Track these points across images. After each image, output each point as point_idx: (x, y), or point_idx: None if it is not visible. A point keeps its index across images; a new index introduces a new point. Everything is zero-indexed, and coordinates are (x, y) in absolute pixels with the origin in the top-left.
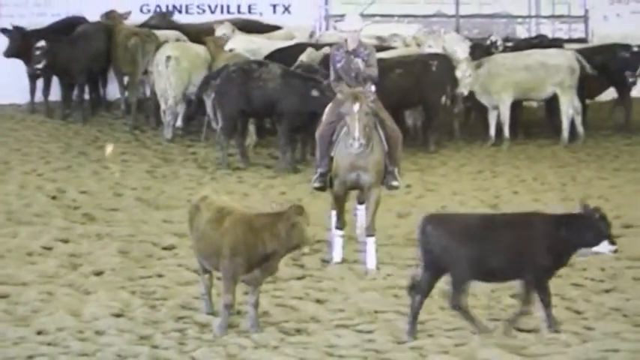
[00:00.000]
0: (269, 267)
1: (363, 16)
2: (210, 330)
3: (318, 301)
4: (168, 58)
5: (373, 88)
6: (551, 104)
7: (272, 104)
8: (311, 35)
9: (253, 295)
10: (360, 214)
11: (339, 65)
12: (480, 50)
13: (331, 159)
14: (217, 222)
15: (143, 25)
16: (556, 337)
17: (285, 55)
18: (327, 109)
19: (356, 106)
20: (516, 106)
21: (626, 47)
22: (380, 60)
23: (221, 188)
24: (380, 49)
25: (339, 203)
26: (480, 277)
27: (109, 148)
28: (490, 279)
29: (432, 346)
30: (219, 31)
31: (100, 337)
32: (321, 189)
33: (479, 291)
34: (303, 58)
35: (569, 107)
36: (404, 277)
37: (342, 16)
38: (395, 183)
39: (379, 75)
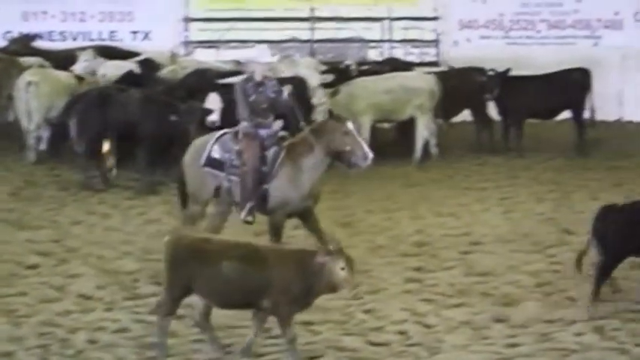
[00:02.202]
0: (304, 303)
1: (220, 42)
2: (71, 345)
3: (177, 317)
4: (29, 83)
5: (280, 122)
6: (403, 125)
7: (131, 128)
8: (172, 60)
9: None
10: None
11: (252, 99)
12: (337, 73)
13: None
14: (257, 260)
15: (4, 49)
16: (406, 350)
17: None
18: (244, 143)
19: (350, 124)
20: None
21: (481, 70)
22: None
23: (83, 209)
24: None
25: (280, 231)
26: None
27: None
28: None
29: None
30: (82, 58)
31: None
32: (251, 222)
33: (331, 306)
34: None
35: (424, 129)
36: None
37: (202, 42)
38: None
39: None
